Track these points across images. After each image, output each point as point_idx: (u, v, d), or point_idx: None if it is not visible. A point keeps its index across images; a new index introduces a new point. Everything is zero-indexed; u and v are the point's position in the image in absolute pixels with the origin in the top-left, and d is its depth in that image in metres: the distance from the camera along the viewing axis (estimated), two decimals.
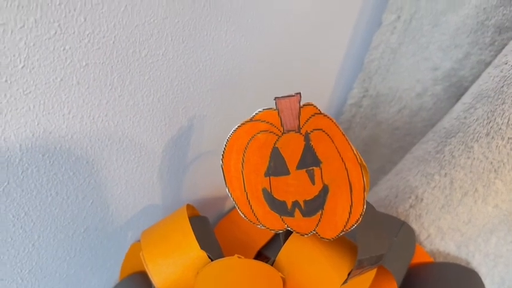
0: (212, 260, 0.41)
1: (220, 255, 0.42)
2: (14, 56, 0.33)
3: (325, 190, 0.36)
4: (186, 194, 0.57)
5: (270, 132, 0.37)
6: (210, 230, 0.47)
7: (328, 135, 0.35)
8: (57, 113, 0.38)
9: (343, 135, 0.34)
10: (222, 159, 0.38)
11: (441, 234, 0.61)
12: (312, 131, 0.36)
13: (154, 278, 0.40)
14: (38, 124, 0.37)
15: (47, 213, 0.42)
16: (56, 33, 0.34)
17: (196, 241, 0.40)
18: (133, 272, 0.51)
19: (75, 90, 0.38)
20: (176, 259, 0.40)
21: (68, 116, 0.39)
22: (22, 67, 0.33)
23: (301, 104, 0.36)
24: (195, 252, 0.39)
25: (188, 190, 0.57)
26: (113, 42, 0.39)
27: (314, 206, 0.37)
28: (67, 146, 0.40)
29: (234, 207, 0.46)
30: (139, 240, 0.46)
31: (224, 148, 0.38)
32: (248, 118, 0.37)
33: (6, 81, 0.33)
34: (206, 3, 0.45)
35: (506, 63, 0.54)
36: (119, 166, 0.47)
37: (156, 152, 0.49)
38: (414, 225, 0.62)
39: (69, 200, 0.44)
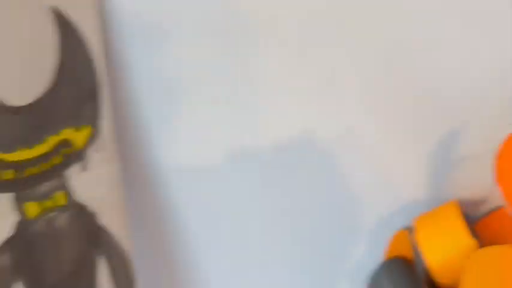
0: None
1: None
2: None
3: None
4: (446, 193, 0.60)
5: None
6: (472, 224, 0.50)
7: None
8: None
9: None
10: (495, 160, 0.43)
11: None
12: None
13: (427, 257, 0.46)
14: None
15: None
16: None
17: (469, 231, 0.45)
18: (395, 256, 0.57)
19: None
20: (448, 243, 0.45)
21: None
22: None
23: None
24: (467, 240, 0.44)
25: (448, 189, 0.60)
26: None
27: None
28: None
29: (490, 210, 0.50)
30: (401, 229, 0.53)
31: (498, 149, 0.42)
32: None
33: None
34: None
35: None
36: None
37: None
38: None
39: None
